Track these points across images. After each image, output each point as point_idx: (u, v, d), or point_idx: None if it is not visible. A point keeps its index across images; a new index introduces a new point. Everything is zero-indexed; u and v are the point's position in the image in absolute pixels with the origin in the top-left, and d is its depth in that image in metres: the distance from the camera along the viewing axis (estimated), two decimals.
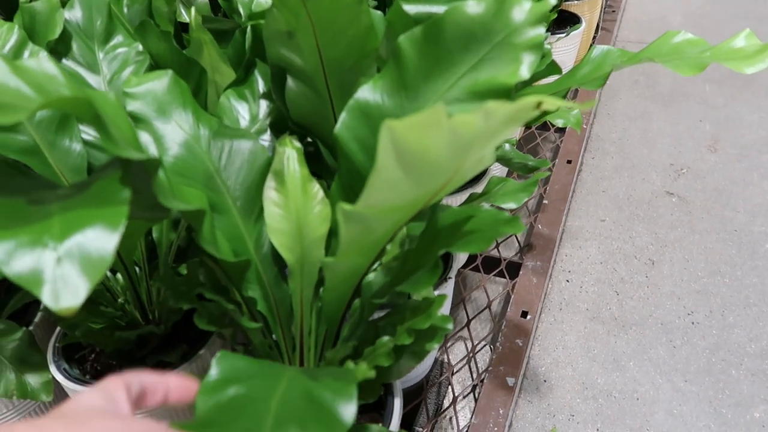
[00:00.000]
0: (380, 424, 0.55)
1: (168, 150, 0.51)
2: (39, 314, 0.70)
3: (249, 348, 0.54)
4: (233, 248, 0.52)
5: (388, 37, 0.56)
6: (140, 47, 0.65)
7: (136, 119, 0.50)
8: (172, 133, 0.51)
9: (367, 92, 0.49)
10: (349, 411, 0.29)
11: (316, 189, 0.55)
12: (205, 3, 0.98)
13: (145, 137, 0.49)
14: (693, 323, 1.34)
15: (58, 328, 0.63)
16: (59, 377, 0.60)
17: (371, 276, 0.54)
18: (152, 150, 0.47)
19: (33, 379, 0.61)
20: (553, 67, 0.66)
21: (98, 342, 0.58)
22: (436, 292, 0.65)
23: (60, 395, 0.69)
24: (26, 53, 0.59)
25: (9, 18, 0.69)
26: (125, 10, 0.70)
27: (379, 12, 0.66)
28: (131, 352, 0.62)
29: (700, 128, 1.96)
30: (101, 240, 0.28)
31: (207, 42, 0.66)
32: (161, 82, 0.52)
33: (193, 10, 0.61)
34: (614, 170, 1.79)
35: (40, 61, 0.34)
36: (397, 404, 0.57)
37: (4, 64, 0.31)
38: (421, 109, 0.48)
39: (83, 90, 0.32)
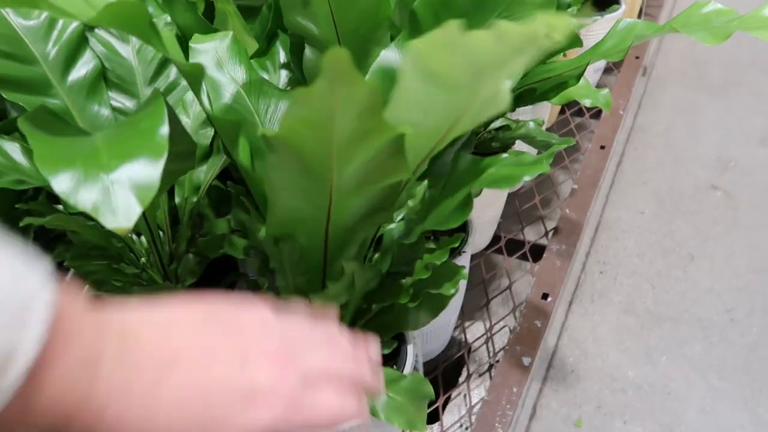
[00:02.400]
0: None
1: (221, 95, 0.55)
2: (69, 275, 0.74)
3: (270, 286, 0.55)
4: None
5: (401, 5, 0.56)
6: (168, 18, 0.68)
7: (194, 72, 0.54)
8: (227, 82, 0.56)
9: (391, 54, 0.51)
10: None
11: None
12: None
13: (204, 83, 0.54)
14: (732, 320, 1.29)
15: (86, 289, 0.66)
16: None
17: (393, 225, 0.56)
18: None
19: None
20: (575, 40, 0.65)
21: (120, 298, 0.61)
22: None
23: None
24: (59, 23, 0.62)
25: None
26: None
27: None
28: None
29: (752, 121, 1.88)
30: (147, 170, 0.33)
31: (231, 13, 0.67)
32: (223, 41, 0.57)
33: None
34: (657, 163, 1.74)
35: None
36: (410, 350, 0.58)
37: None
38: None
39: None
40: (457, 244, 0.50)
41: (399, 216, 0.55)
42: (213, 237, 0.60)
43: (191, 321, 0.30)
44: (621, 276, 1.41)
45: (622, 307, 1.34)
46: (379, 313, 0.55)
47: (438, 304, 0.55)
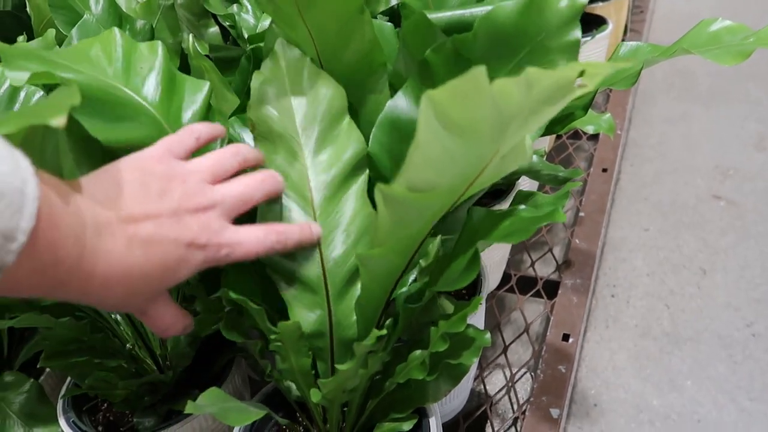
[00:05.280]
0: None
1: None
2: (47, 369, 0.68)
3: (274, 370, 0.50)
4: None
5: (404, 53, 0.52)
6: None
7: None
8: None
9: (400, 102, 0.46)
10: None
11: None
12: (217, 33, 0.97)
13: None
14: (754, 335, 1.24)
15: (69, 379, 0.60)
16: (68, 431, 0.57)
17: (405, 288, 0.51)
18: None
19: None
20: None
21: (104, 392, 0.55)
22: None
23: None
24: (22, 94, 0.57)
25: None
26: None
27: (389, 24, 0.62)
28: (141, 400, 0.58)
29: (746, 127, 1.85)
30: None
31: (208, 69, 0.63)
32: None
33: (190, 37, 0.58)
34: (655, 176, 1.70)
35: None
36: (433, 424, 0.53)
37: None
38: None
39: None
40: (475, 311, 0.45)
41: (411, 278, 0.50)
42: (205, 316, 0.54)
43: (137, 194, 0.37)
44: (633, 298, 1.36)
45: (638, 331, 1.29)
46: (394, 389, 0.49)
47: (458, 373, 0.50)
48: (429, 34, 0.49)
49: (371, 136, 0.50)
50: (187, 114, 0.49)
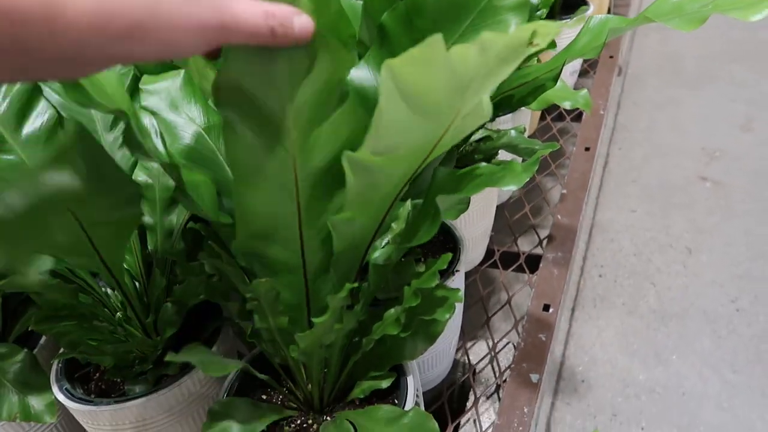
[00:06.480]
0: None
1: (179, 137, 0.52)
2: (43, 336, 0.70)
3: (255, 330, 0.52)
4: None
5: (367, 21, 0.54)
6: None
7: (151, 113, 0.53)
8: (184, 123, 0.53)
9: (361, 73, 0.48)
10: None
11: None
12: None
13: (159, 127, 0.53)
14: (737, 310, 1.27)
15: (61, 350, 0.62)
16: (61, 398, 0.59)
17: (378, 252, 0.53)
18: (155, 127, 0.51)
19: (36, 402, 0.60)
20: (548, 43, 0.62)
21: (95, 358, 0.57)
22: None
23: (65, 416, 0.68)
24: None
25: None
26: None
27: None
28: (131, 367, 0.60)
29: (732, 109, 1.87)
30: None
31: None
32: (176, 80, 0.54)
33: None
34: (643, 159, 1.73)
35: None
36: (410, 383, 0.55)
37: None
38: None
39: None
40: (444, 266, 0.47)
41: (384, 241, 0.52)
42: (190, 283, 0.56)
43: None
44: (620, 277, 1.38)
45: (625, 309, 1.31)
46: (372, 347, 0.51)
47: (433, 331, 0.52)
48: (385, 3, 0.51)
49: None
50: None
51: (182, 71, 0.57)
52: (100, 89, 0.40)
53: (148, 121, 0.56)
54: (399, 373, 0.56)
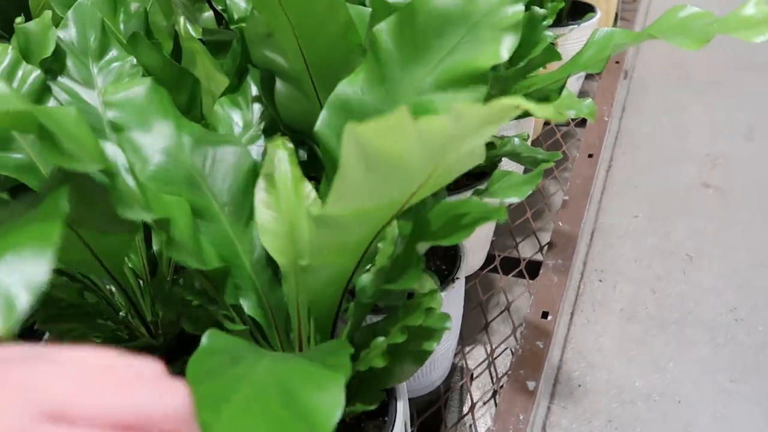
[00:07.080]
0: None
1: (149, 158, 0.49)
2: (47, 334, 0.71)
3: None
4: (221, 254, 0.50)
5: (369, 33, 0.54)
6: (134, 60, 0.65)
7: (115, 128, 0.50)
8: (153, 142, 0.50)
9: (347, 86, 0.48)
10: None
11: (308, 189, 0.53)
12: (211, 17, 0.99)
13: (123, 145, 0.48)
14: (736, 320, 1.27)
15: None
16: None
17: (365, 277, 0.53)
18: (121, 159, 0.45)
19: None
20: (553, 54, 0.63)
21: None
22: (444, 294, 0.63)
23: None
24: (19, 73, 0.60)
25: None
26: (121, 25, 0.71)
27: (362, 7, 0.64)
28: None
29: (736, 117, 1.87)
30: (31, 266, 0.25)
31: (199, 51, 0.66)
32: (139, 89, 0.51)
33: (181, 19, 0.60)
34: (646, 164, 1.73)
35: None
36: (401, 407, 0.55)
37: None
38: (399, 101, 0.46)
39: (30, 105, 0.31)
40: (433, 305, 0.46)
41: (366, 276, 0.52)
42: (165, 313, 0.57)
43: None
44: (620, 283, 1.39)
45: (624, 315, 1.32)
46: (357, 372, 0.51)
47: (421, 358, 0.51)
48: (388, 11, 0.51)
49: (320, 118, 0.50)
50: None
51: (148, 79, 0.53)
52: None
53: (111, 149, 0.47)
54: (389, 396, 0.55)
